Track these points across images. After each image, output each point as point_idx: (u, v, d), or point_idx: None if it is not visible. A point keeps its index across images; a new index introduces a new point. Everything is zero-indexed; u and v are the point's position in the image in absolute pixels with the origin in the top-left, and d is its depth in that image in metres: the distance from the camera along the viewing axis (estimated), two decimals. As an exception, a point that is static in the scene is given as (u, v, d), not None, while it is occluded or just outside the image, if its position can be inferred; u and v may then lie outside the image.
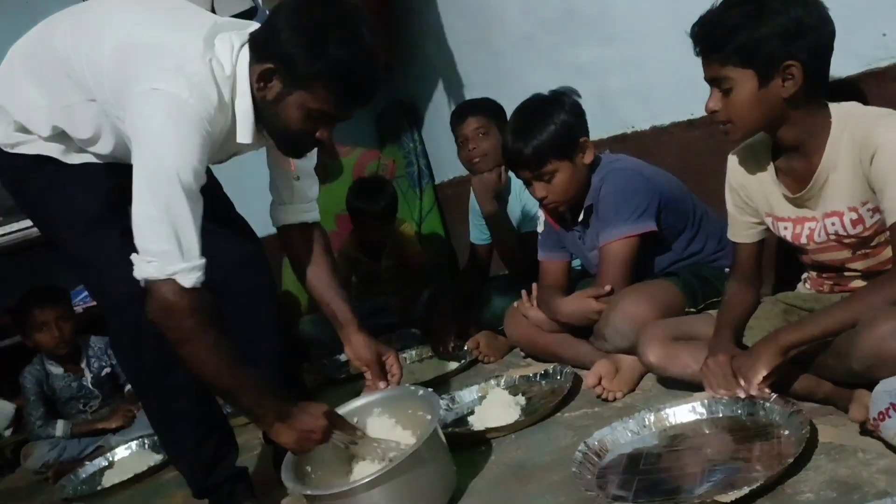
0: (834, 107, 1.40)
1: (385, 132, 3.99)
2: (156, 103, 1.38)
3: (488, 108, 2.54)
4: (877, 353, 1.20)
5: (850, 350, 1.25)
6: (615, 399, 1.78)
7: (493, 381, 2.08)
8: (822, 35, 1.34)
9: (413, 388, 1.72)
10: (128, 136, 1.44)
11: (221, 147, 1.53)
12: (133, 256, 1.41)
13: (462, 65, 3.34)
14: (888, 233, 1.34)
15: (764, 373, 1.35)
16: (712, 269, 1.98)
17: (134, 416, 2.80)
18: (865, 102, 1.45)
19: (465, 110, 2.58)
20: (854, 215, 1.39)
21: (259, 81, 1.46)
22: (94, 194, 1.57)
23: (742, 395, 1.40)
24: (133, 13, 1.53)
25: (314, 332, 2.98)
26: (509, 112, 2.51)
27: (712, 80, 1.40)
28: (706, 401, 1.49)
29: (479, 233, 2.78)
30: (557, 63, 2.66)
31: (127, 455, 2.62)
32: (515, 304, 2.22)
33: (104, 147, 1.56)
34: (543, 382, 2.03)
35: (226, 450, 1.77)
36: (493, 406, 1.90)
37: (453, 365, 2.44)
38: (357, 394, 2.10)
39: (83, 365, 2.97)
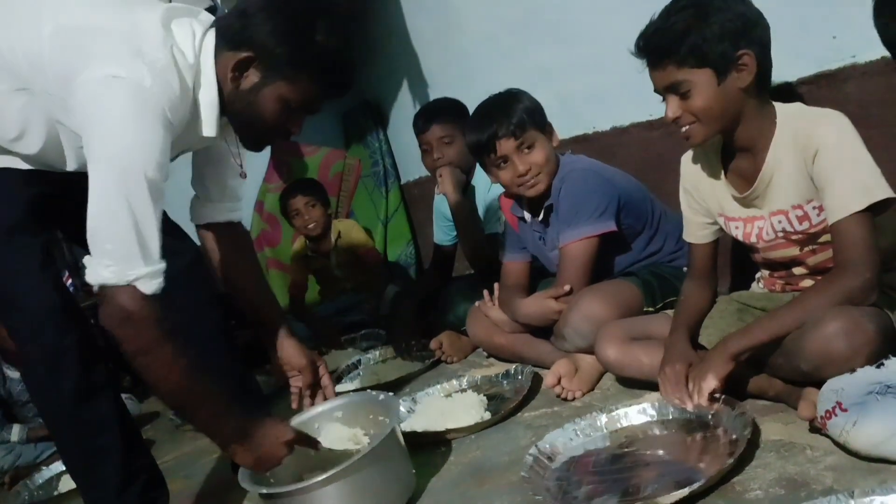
0: (779, 107, 1.43)
1: (350, 132, 3.98)
2: (115, 92, 1.26)
3: (452, 114, 2.53)
4: (823, 353, 1.23)
5: (798, 350, 1.27)
6: (574, 398, 1.79)
7: (455, 382, 2.09)
8: (763, 29, 1.38)
9: (373, 392, 1.71)
10: (76, 128, 1.32)
11: (179, 142, 1.42)
12: (86, 259, 1.30)
13: (426, 64, 3.34)
14: None
15: (714, 384, 1.36)
16: (671, 268, 2.00)
17: None
18: (817, 104, 1.47)
19: (429, 117, 2.56)
20: (800, 212, 1.41)
21: (234, 71, 1.38)
22: (14, 200, 1.45)
23: (690, 407, 1.42)
24: None
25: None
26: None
27: (668, 88, 1.41)
28: (657, 403, 1.51)
29: (443, 233, 2.77)
30: (519, 64, 2.67)
31: None
32: (477, 304, 2.23)
33: (30, 146, 1.41)
34: (505, 382, 2.03)
35: (154, 496, 1.61)
36: (454, 406, 1.90)
37: (417, 365, 2.43)
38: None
39: (41, 368, 2.92)
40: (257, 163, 3.77)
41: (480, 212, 2.57)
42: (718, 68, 1.36)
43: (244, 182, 1.72)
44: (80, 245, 1.46)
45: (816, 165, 1.33)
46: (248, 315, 1.73)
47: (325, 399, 1.72)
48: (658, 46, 1.39)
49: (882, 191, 1.29)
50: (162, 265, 1.32)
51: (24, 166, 1.46)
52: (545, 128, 2.00)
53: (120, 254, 1.28)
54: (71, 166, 1.47)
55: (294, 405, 1.74)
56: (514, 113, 1.94)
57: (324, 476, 1.38)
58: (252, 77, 1.39)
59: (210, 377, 1.41)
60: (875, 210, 1.30)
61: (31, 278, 1.44)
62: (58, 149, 1.39)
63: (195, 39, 1.39)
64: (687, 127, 1.42)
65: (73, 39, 1.31)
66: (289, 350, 1.69)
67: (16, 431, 2.77)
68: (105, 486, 1.53)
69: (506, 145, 1.94)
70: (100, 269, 1.29)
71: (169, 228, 1.63)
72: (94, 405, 1.50)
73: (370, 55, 3.67)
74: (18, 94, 1.36)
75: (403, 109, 3.59)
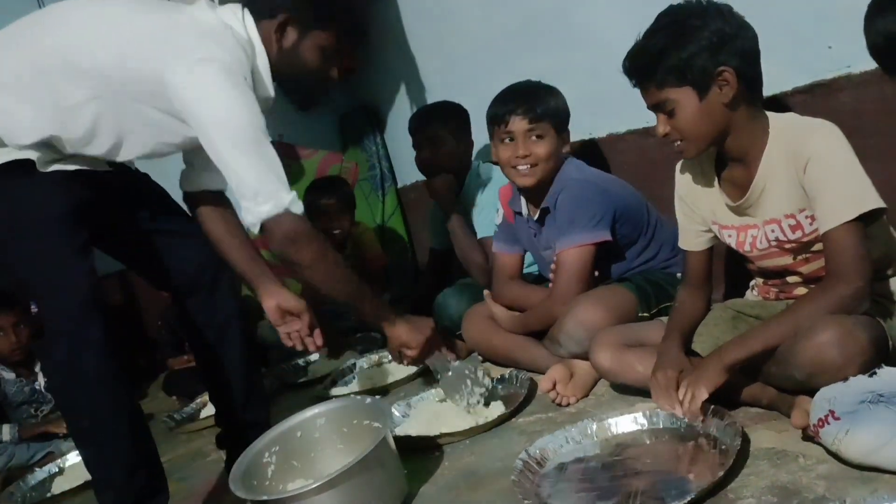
0: (772, 117, 1.44)
1: (348, 135, 3.97)
2: (205, 71, 1.50)
3: (446, 116, 2.56)
4: (816, 362, 1.24)
5: (791, 359, 1.28)
6: (569, 404, 1.80)
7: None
8: (745, 40, 1.39)
9: (360, 397, 1.72)
10: (179, 112, 1.54)
11: None
12: (242, 206, 1.56)
13: (423, 70, 3.34)
14: None
15: (706, 395, 1.37)
16: (665, 274, 2.01)
17: None
18: (812, 114, 1.48)
19: (424, 116, 2.60)
20: (792, 221, 1.42)
21: (277, 33, 1.65)
22: (63, 196, 1.55)
23: (680, 414, 1.43)
24: (123, 5, 1.62)
25: (272, 337, 2.93)
26: (473, 114, 2.54)
27: (655, 107, 1.45)
28: (647, 412, 1.51)
29: (438, 237, 2.78)
30: (517, 70, 2.65)
31: (78, 462, 2.50)
32: (477, 304, 2.24)
33: (99, 147, 1.59)
34: (500, 387, 2.03)
35: (158, 486, 1.65)
36: (449, 411, 1.90)
37: (412, 369, 2.43)
38: (316, 399, 2.11)
39: (37, 369, 2.93)
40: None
41: (477, 210, 2.57)
42: (699, 86, 1.38)
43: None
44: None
45: (808, 175, 1.34)
46: (239, 272, 1.84)
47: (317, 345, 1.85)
48: (640, 68, 1.42)
49: (872, 201, 1.30)
50: (294, 192, 1.58)
51: (72, 167, 1.59)
52: (562, 131, 2.03)
53: (268, 190, 1.53)
54: (135, 153, 1.66)
55: (299, 347, 1.86)
56: (540, 101, 2.00)
57: (316, 484, 1.38)
58: (291, 35, 1.67)
59: (215, 366, 1.79)
60: (866, 220, 1.31)
61: (71, 268, 1.53)
62: (119, 146, 1.61)
63: (238, 19, 1.64)
64: (679, 143, 1.45)
65: (151, 42, 1.54)
66: (284, 294, 1.81)
67: (6, 431, 2.74)
68: (115, 465, 1.57)
69: (518, 123, 1.99)
70: (258, 208, 1.54)
71: (189, 220, 1.84)
72: (112, 390, 1.54)
73: (368, 60, 3.68)
74: (93, 102, 1.54)
75: (401, 114, 3.59)
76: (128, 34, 1.56)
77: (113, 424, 1.55)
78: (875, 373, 1.18)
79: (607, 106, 2.38)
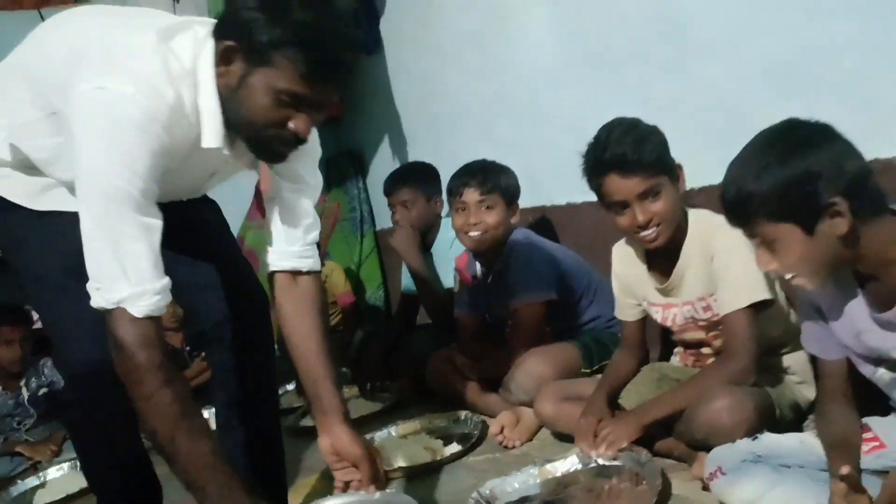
0: (691, 213, 1.70)
1: (332, 177, 4.21)
2: (97, 103, 1.19)
3: (418, 179, 2.78)
4: (711, 425, 1.49)
5: (692, 421, 1.53)
6: (514, 447, 2.03)
7: (410, 424, 2.31)
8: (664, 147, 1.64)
9: (394, 494, 1.58)
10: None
11: (189, 161, 1.34)
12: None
13: (406, 124, 3.61)
14: None
15: (623, 444, 1.60)
16: (609, 334, 2.26)
17: (57, 455, 2.83)
18: None
19: (396, 180, 2.81)
20: (704, 303, 1.69)
21: (220, 65, 1.26)
22: (65, 249, 1.31)
23: (594, 455, 1.65)
24: (96, 18, 1.39)
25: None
26: (445, 175, 2.78)
27: (643, 195, 1.62)
28: (582, 454, 1.74)
29: (409, 282, 3.00)
30: (492, 136, 2.94)
31: (59, 476, 2.63)
32: (442, 350, 2.46)
33: (65, 171, 1.34)
34: (455, 427, 2.26)
35: (152, 488, 1.57)
36: (410, 446, 2.12)
37: (378, 406, 2.65)
38: (287, 430, 2.28)
39: (22, 383, 3.04)
40: (242, 199, 3.99)
41: (442, 267, 2.80)
42: (670, 176, 1.63)
43: (314, 225, 1.58)
44: None
45: (714, 266, 1.61)
46: (304, 385, 1.54)
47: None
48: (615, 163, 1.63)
49: (762, 293, 1.57)
50: (156, 284, 1.23)
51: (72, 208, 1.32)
52: (511, 204, 2.28)
53: (103, 274, 1.21)
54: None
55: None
56: (492, 176, 2.25)
57: None
58: (237, 69, 1.26)
59: (231, 442, 1.39)
60: (758, 307, 1.57)
61: (78, 334, 1.39)
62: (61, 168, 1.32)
63: (195, 43, 1.29)
64: (654, 229, 1.64)
65: (76, 57, 1.26)
66: (344, 438, 1.47)
67: None
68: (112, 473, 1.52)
69: (471, 195, 2.23)
70: (93, 292, 1.23)
71: (230, 262, 1.61)
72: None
73: (355, 108, 3.93)
74: (51, 119, 1.32)
75: (382, 162, 3.84)
76: (69, 46, 1.30)
77: (115, 425, 1.46)
78: (757, 437, 1.42)
79: (567, 177, 2.59)
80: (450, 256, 2.74)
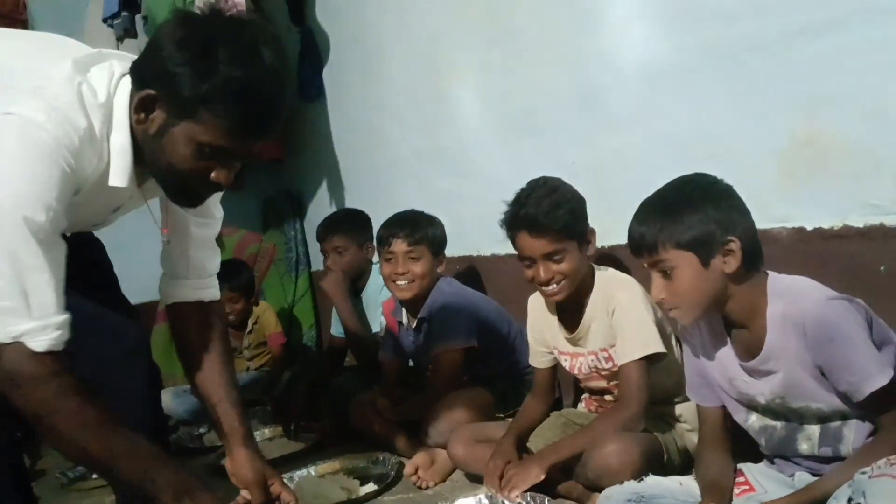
0: (597, 269, 1.85)
1: (270, 218, 4.28)
2: (6, 129, 1.16)
3: (351, 226, 2.86)
4: (601, 467, 1.60)
5: (587, 464, 1.65)
6: (428, 487, 2.10)
7: (329, 464, 2.36)
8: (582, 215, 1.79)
9: None
10: None
11: (94, 195, 1.32)
12: None
13: (346, 170, 3.72)
14: None
15: (525, 487, 1.69)
16: (525, 381, 2.37)
17: None
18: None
19: (328, 227, 2.88)
20: (606, 354, 1.82)
21: (139, 112, 1.26)
22: None
23: (500, 497, 1.73)
24: (10, 42, 1.37)
25: (174, 407, 3.12)
26: (380, 222, 2.88)
27: (547, 255, 1.77)
28: (489, 494, 1.83)
29: (338, 325, 3.07)
30: (426, 187, 3.07)
31: None
32: (365, 393, 2.53)
33: None
34: (374, 467, 2.32)
35: None
36: (328, 485, 2.17)
37: (300, 446, 2.68)
38: (209, 468, 2.31)
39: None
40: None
41: (372, 311, 2.89)
42: (581, 241, 1.78)
43: (214, 255, 1.61)
44: None
45: (613, 320, 1.75)
46: (207, 409, 1.56)
47: None
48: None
49: (655, 346, 1.71)
50: (58, 318, 1.20)
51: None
52: (438, 254, 2.39)
53: (2, 307, 1.17)
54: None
55: None
56: (419, 228, 2.35)
57: None
58: (158, 118, 1.26)
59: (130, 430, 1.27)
60: (652, 360, 1.71)
61: None
62: None
63: (112, 79, 1.28)
64: (555, 286, 1.78)
65: None
66: (240, 461, 1.51)
67: None
68: None
69: (399, 245, 2.33)
70: None
71: (117, 304, 1.58)
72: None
73: (295, 151, 4.03)
74: None
75: (321, 205, 3.94)
76: None
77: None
78: (643, 479, 1.53)
79: (492, 229, 2.75)
80: (380, 301, 2.83)
